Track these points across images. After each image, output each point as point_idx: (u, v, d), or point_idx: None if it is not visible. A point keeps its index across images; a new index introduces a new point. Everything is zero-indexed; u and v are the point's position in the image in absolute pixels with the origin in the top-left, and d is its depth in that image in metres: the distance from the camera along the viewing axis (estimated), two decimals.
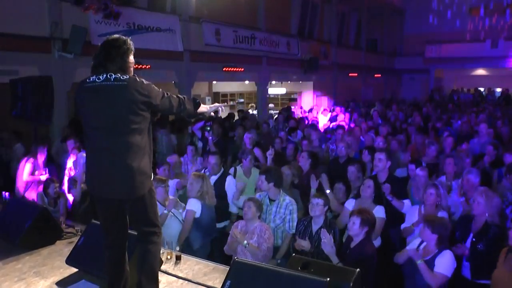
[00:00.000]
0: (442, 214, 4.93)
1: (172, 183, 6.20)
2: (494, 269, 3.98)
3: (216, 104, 3.72)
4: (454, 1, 18.01)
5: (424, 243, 4.15)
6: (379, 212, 5.01)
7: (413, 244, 4.28)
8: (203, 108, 3.60)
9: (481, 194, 4.51)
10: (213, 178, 6.17)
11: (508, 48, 23.18)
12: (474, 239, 4.45)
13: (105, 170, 3.16)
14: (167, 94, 3.31)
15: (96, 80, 3.13)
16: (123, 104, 3.07)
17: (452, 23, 18.61)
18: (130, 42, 3.26)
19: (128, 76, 3.13)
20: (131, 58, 3.26)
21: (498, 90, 26.32)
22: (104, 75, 3.12)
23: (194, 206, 5.26)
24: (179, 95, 3.44)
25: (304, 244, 4.55)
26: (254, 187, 6.12)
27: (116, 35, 3.26)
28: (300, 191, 6.04)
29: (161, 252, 3.73)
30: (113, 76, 3.10)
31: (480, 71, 28.07)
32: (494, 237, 4.31)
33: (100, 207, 3.35)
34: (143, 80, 3.20)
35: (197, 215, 5.24)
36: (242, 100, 20.81)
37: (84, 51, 9.51)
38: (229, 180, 6.20)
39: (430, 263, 4.03)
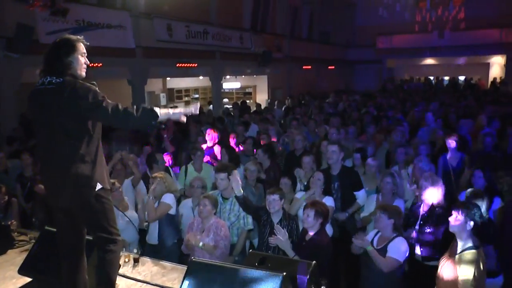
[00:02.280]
0: (398, 202, 5.13)
1: (127, 181, 6.15)
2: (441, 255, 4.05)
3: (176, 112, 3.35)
4: None
5: (379, 234, 4.28)
6: (327, 201, 5.10)
7: (369, 237, 4.39)
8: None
9: (427, 178, 4.72)
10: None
11: (454, 38, 24.07)
12: (421, 222, 4.67)
13: (46, 177, 3.14)
14: (108, 102, 2.96)
15: (36, 84, 3.03)
16: (56, 109, 2.93)
17: (401, 15, 19.14)
18: (75, 42, 3.06)
19: (62, 79, 2.94)
20: (72, 59, 3.03)
21: (446, 78, 27.35)
22: (42, 79, 3.00)
23: (170, 200, 5.25)
24: (131, 107, 3.05)
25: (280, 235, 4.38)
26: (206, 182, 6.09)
27: (66, 36, 3.09)
28: (265, 185, 6.08)
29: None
30: (48, 79, 2.96)
31: (429, 61, 29.06)
32: (439, 218, 4.52)
33: (53, 214, 3.28)
34: (80, 83, 2.99)
35: (172, 211, 5.25)
36: (197, 95, 20.66)
37: (31, 50, 9.19)
38: None
39: (383, 250, 4.15)
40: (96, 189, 3.06)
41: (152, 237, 5.31)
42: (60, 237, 3.30)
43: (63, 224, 3.25)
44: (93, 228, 3.21)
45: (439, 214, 4.52)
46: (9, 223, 5.14)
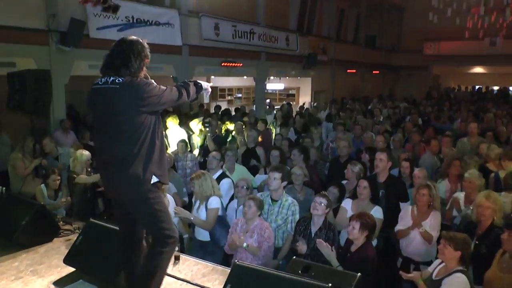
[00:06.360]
0: (434, 213, 4.93)
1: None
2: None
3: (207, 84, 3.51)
4: None
5: (442, 264, 3.87)
6: (376, 212, 4.96)
7: (431, 267, 4.04)
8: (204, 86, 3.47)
9: (488, 197, 4.48)
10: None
11: (506, 46, 23.14)
12: (477, 242, 4.41)
13: (102, 172, 3.31)
14: (166, 89, 3.13)
15: (99, 82, 3.11)
16: (115, 108, 3.00)
17: (451, 20, 18.47)
18: (140, 47, 3.12)
19: (123, 79, 3.01)
20: (140, 62, 3.11)
21: (496, 88, 26.36)
22: (105, 78, 3.07)
23: (217, 203, 5.16)
24: (178, 85, 3.29)
25: (302, 248, 4.48)
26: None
27: (133, 37, 3.15)
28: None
29: None
30: (111, 78, 3.03)
31: (478, 69, 28.11)
32: (497, 239, 4.18)
33: (113, 206, 3.53)
34: (142, 81, 3.07)
35: (220, 212, 5.17)
36: (240, 95, 20.68)
37: (82, 44, 9.46)
38: (224, 181, 6.09)
39: (438, 283, 3.71)
40: (152, 182, 3.08)
41: (201, 233, 5.27)
42: (120, 230, 3.45)
43: (117, 217, 3.42)
44: (145, 225, 3.30)
45: (497, 235, 4.26)
46: (62, 200, 5.66)
